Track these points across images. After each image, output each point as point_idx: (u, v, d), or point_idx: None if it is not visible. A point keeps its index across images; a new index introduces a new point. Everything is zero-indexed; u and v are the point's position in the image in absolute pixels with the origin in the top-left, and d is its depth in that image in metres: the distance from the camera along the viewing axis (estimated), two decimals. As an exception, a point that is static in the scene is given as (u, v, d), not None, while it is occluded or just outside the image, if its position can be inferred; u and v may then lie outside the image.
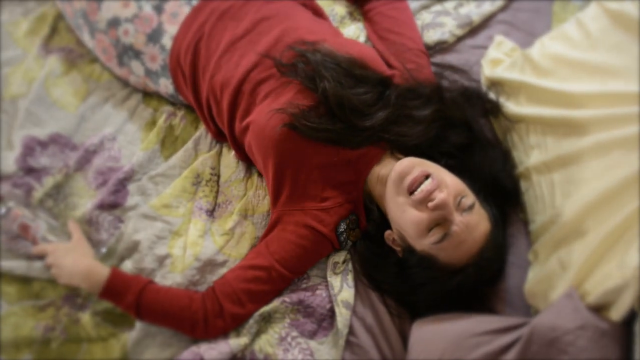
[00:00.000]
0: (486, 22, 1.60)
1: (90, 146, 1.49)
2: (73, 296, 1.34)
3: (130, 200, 1.43)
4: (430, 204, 1.13)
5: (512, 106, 1.36)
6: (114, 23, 1.48)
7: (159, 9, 1.45)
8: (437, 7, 1.64)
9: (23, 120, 1.49)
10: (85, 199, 1.43)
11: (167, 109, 1.56)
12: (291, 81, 1.28)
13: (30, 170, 1.44)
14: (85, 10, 1.51)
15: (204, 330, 1.26)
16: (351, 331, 1.24)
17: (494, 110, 1.38)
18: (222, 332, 1.27)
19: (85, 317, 1.31)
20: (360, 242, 1.33)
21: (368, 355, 1.21)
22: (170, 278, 1.33)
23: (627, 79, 1.16)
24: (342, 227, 1.29)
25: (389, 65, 1.42)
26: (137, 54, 1.48)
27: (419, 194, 1.15)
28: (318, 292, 1.30)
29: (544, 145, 1.28)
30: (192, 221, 1.40)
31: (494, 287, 1.25)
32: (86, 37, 1.57)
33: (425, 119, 1.29)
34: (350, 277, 1.31)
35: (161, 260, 1.36)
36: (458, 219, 1.14)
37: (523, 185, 1.33)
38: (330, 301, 1.28)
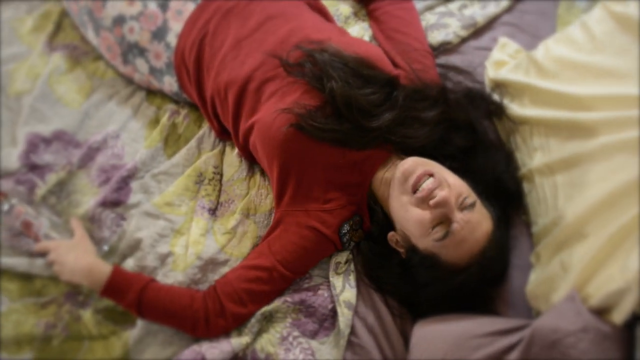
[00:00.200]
0: (491, 23, 1.60)
1: (94, 143, 1.49)
2: (75, 294, 1.34)
3: (133, 198, 1.43)
4: (431, 202, 1.14)
5: (515, 108, 1.36)
6: (119, 21, 1.48)
7: (163, 7, 1.46)
8: (442, 9, 1.64)
9: (27, 116, 1.49)
10: (88, 196, 1.44)
11: (171, 107, 1.56)
12: (297, 81, 1.28)
13: (33, 167, 1.44)
14: (90, 8, 1.51)
15: (205, 329, 1.26)
16: (353, 331, 1.24)
17: (497, 112, 1.38)
18: (223, 332, 1.27)
19: (87, 315, 1.31)
20: (364, 243, 1.33)
21: (369, 355, 1.21)
22: (172, 276, 1.33)
23: (632, 82, 1.16)
24: (345, 228, 1.29)
25: (395, 65, 1.42)
26: (142, 52, 1.49)
27: (420, 192, 1.16)
28: (320, 292, 1.30)
29: (547, 148, 1.28)
30: (195, 220, 1.41)
31: (497, 289, 1.25)
32: (91, 35, 1.57)
33: (431, 121, 1.29)
34: (352, 278, 1.31)
35: (163, 258, 1.36)
36: (459, 216, 1.15)
37: (526, 187, 1.33)
38: (332, 301, 1.28)
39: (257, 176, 1.45)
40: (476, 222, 1.17)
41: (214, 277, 1.33)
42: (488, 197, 1.24)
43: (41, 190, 1.42)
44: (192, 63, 1.42)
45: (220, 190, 1.46)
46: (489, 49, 1.52)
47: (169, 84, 1.51)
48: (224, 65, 1.37)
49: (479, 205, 1.19)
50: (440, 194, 1.14)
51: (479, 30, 1.58)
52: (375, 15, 1.56)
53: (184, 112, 1.56)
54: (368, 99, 1.25)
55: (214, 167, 1.46)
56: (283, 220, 1.30)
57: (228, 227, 1.38)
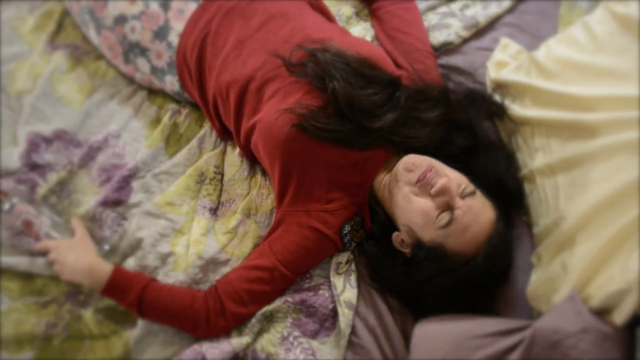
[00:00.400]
0: (492, 24, 1.60)
1: (95, 143, 1.49)
2: (75, 293, 1.34)
3: (134, 198, 1.43)
4: (432, 190, 1.16)
5: (517, 108, 1.36)
6: (121, 20, 1.48)
7: (165, 6, 1.46)
8: (444, 9, 1.64)
9: (28, 116, 1.49)
10: (89, 195, 1.44)
11: (172, 106, 1.57)
12: (299, 80, 1.28)
13: (34, 167, 1.44)
14: (92, 7, 1.51)
15: (205, 329, 1.26)
16: (353, 331, 1.24)
17: (499, 112, 1.38)
18: (224, 332, 1.27)
19: (88, 314, 1.31)
20: (368, 243, 1.32)
21: (370, 355, 1.21)
22: (172, 276, 1.33)
23: (633, 83, 1.15)
24: (347, 228, 1.29)
25: (397, 65, 1.42)
26: (143, 51, 1.49)
27: (421, 181, 1.18)
28: (321, 292, 1.30)
29: (549, 148, 1.28)
30: (196, 219, 1.41)
31: (500, 287, 1.25)
32: (92, 34, 1.57)
33: (433, 121, 1.29)
34: (353, 278, 1.31)
35: (164, 258, 1.36)
36: (461, 203, 1.16)
37: (527, 187, 1.33)
38: (333, 301, 1.28)
39: (258, 176, 1.45)
40: (478, 208, 1.18)
41: (215, 276, 1.33)
42: (489, 197, 1.24)
43: (42, 189, 1.41)
44: (193, 63, 1.42)
45: (221, 190, 1.46)
46: (490, 49, 1.52)
47: (171, 83, 1.51)
48: (226, 65, 1.37)
49: (480, 195, 1.20)
50: (440, 181, 1.16)
51: (480, 31, 1.58)
52: (378, 15, 1.56)
53: (185, 111, 1.56)
54: (370, 99, 1.25)
55: (215, 167, 1.46)
56: (284, 220, 1.30)
57: (229, 227, 1.38)
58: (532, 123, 1.33)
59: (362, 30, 1.60)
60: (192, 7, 1.44)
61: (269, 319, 1.29)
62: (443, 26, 1.57)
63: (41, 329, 1.28)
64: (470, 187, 1.20)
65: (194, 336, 1.29)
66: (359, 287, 1.30)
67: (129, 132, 1.53)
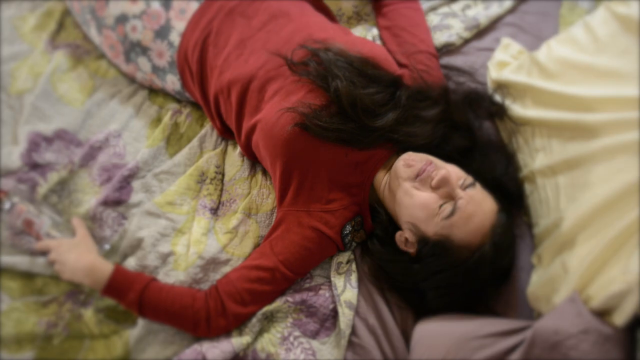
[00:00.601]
0: (493, 24, 1.60)
1: (95, 142, 1.49)
2: (76, 292, 1.34)
3: (135, 197, 1.43)
4: (433, 182, 1.18)
5: (517, 109, 1.36)
6: (122, 19, 1.48)
7: (166, 6, 1.45)
8: (445, 9, 1.64)
9: (29, 115, 1.49)
10: (89, 195, 1.44)
11: (173, 106, 1.56)
12: (300, 79, 1.28)
13: (34, 166, 1.44)
14: (93, 7, 1.51)
15: (206, 328, 1.26)
16: (354, 331, 1.25)
17: (499, 112, 1.38)
18: (225, 331, 1.27)
19: (88, 314, 1.31)
20: (372, 241, 1.32)
21: (370, 355, 1.22)
22: (173, 276, 1.33)
23: (634, 84, 1.15)
24: (348, 229, 1.29)
25: (399, 64, 1.42)
26: (145, 51, 1.49)
27: (421, 175, 1.20)
28: (321, 292, 1.30)
29: (549, 149, 1.28)
30: (196, 219, 1.41)
31: (502, 285, 1.25)
32: (93, 33, 1.57)
33: (433, 119, 1.29)
34: (353, 278, 1.31)
35: (164, 257, 1.36)
36: (462, 193, 1.17)
37: (527, 188, 1.33)
38: (333, 301, 1.29)
39: (259, 175, 1.45)
40: (480, 198, 1.19)
41: (216, 276, 1.33)
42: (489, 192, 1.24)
43: (42, 189, 1.41)
44: (195, 62, 1.42)
45: (222, 190, 1.46)
46: (491, 49, 1.52)
47: (172, 82, 1.51)
48: (227, 64, 1.37)
49: (480, 186, 1.21)
50: (440, 172, 1.18)
51: (481, 31, 1.58)
52: (384, 12, 1.56)
53: (186, 111, 1.56)
54: (372, 98, 1.26)
55: (215, 167, 1.46)
56: (285, 220, 1.30)
57: (229, 227, 1.38)
58: (533, 123, 1.33)
59: (362, 31, 1.60)
60: (194, 6, 1.44)
61: (270, 319, 1.29)
62: (445, 27, 1.57)
63: (41, 328, 1.28)
64: (470, 178, 1.21)
65: (194, 336, 1.29)
66: (359, 287, 1.30)
67: (130, 132, 1.53)
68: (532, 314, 1.20)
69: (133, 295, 1.24)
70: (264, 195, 1.42)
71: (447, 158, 1.26)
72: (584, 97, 1.22)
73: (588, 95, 1.22)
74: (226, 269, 1.34)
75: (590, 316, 1.01)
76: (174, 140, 1.52)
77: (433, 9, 1.64)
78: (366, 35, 1.58)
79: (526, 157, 1.35)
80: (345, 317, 1.25)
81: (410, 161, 1.22)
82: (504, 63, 1.47)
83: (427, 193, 1.19)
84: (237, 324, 1.27)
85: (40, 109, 1.51)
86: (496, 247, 1.18)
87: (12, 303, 1.30)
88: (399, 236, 1.26)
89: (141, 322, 1.29)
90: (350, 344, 1.24)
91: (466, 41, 1.56)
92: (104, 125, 1.53)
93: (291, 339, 1.26)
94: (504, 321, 1.15)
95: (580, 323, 1.00)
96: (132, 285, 1.25)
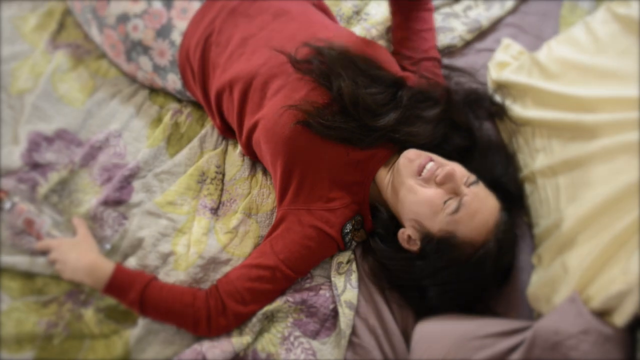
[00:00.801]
0: (494, 25, 1.60)
1: (96, 142, 1.49)
2: (76, 292, 1.34)
3: (135, 197, 1.43)
4: (438, 178, 1.18)
5: (518, 109, 1.36)
6: (123, 19, 1.48)
7: (168, 5, 1.46)
8: (447, 9, 1.64)
9: (29, 115, 1.49)
10: (90, 195, 1.43)
11: (174, 106, 1.57)
12: (303, 77, 1.28)
13: (35, 166, 1.44)
14: (94, 6, 1.51)
15: (206, 328, 1.26)
16: (354, 331, 1.25)
17: (499, 113, 1.38)
18: (225, 331, 1.27)
19: (88, 314, 1.31)
20: (373, 239, 1.32)
21: (370, 355, 1.22)
22: (173, 275, 1.33)
23: (634, 84, 1.15)
24: (348, 227, 1.29)
25: (404, 68, 1.42)
26: (146, 50, 1.49)
27: (425, 172, 1.20)
28: (321, 292, 1.30)
29: (550, 149, 1.28)
30: (196, 219, 1.41)
31: (503, 285, 1.25)
32: (94, 32, 1.57)
33: (434, 119, 1.30)
34: (353, 278, 1.31)
35: (165, 257, 1.36)
36: (467, 189, 1.18)
37: (528, 188, 1.33)
38: (334, 301, 1.29)
39: (259, 175, 1.46)
40: (484, 195, 1.20)
41: (216, 276, 1.33)
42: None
43: (43, 188, 1.41)
44: (197, 61, 1.42)
45: (222, 190, 1.46)
46: (492, 50, 1.53)
47: (173, 81, 1.51)
48: (230, 63, 1.37)
49: (483, 184, 1.22)
50: (446, 168, 1.18)
51: (482, 32, 1.59)
52: (407, 15, 1.54)
53: (186, 111, 1.56)
54: (374, 98, 1.26)
55: (216, 167, 1.46)
56: (286, 219, 1.30)
57: (230, 227, 1.38)
58: (533, 124, 1.33)
59: (362, 30, 1.60)
60: (196, 6, 1.45)
61: (270, 319, 1.29)
62: (447, 29, 1.57)
63: (42, 328, 1.28)
64: (473, 176, 1.21)
65: (194, 335, 1.29)
66: (359, 287, 1.30)
67: (130, 132, 1.53)
68: (533, 314, 1.20)
69: (134, 294, 1.24)
70: (264, 195, 1.42)
71: (448, 158, 1.26)
72: (584, 98, 1.22)
73: (588, 96, 1.22)
74: (226, 269, 1.34)
75: (590, 316, 1.01)
76: (174, 140, 1.52)
77: (435, 8, 1.64)
78: (365, 35, 1.58)
79: (526, 158, 1.35)
80: (346, 317, 1.25)
81: (412, 156, 1.23)
82: (504, 63, 1.47)
83: (431, 189, 1.20)
84: (237, 324, 1.27)
85: (40, 108, 1.51)
86: (499, 244, 1.18)
87: (12, 303, 1.30)
88: (402, 234, 1.26)
89: (141, 322, 1.29)
90: (351, 344, 1.24)
91: (467, 42, 1.56)
92: (104, 125, 1.53)
93: (291, 339, 1.26)
94: (504, 321, 1.15)
95: (580, 323, 1.00)
96: (133, 284, 1.25)
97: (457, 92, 1.38)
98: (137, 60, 1.52)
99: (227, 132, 1.49)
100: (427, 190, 1.20)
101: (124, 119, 1.54)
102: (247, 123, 1.35)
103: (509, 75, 1.42)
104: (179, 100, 1.59)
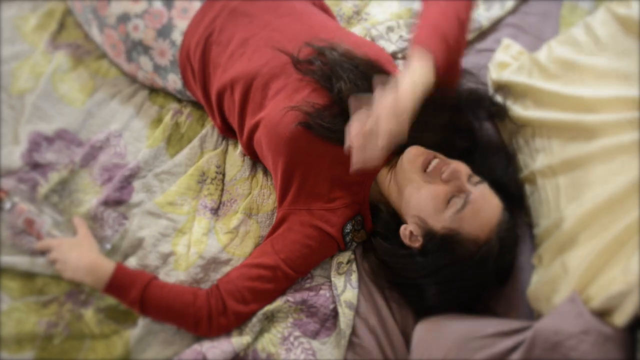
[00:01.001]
0: (494, 25, 1.60)
1: (96, 142, 1.49)
2: (76, 292, 1.34)
3: (135, 197, 1.43)
4: (443, 175, 1.18)
5: (518, 109, 1.36)
6: (124, 19, 1.48)
7: (169, 5, 1.46)
8: (446, 10, 1.64)
9: (29, 115, 1.49)
10: (90, 195, 1.44)
11: (174, 106, 1.57)
12: (304, 78, 1.28)
13: (35, 166, 1.44)
14: (95, 6, 1.51)
15: (207, 327, 1.26)
16: (354, 332, 1.25)
17: (500, 113, 1.38)
18: (225, 330, 1.27)
19: (89, 314, 1.31)
20: (374, 237, 1.32)
21: (370, 355, 1.22)
22: (174, 276, 1.33)
23: (634, 84, 1.16)
24: (348, 227, 1.29)
25: None
26: (146, 50, 1.49)
27: (431, 167, 1.21)
28: (321, 292, 1.30)
29: (550, 149, 1.28)
30: (197, 219, 1.41)
31: (504, 285, 1.25)
32: (95, 32, 1.57)
33: (436, 125, 1.29)
34: (353, 278, 1.31)
35: (165, 257, 1.36)
36: (472, 187, 1.19)
37: (528, 188, 1.33)
38: (334, 301, 1.29)
39: (260, 176, 1.46)
40: (489, 193, 1.20)
41: (216, 276, 1.34)
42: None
43: (43, 188, 1.41)
44: (197, 61, 1.42)
45: (222, 190, 1.46)
46: (492, 50, 1.53)
47: (173, 81, 1.51)
48: (231, 62, 1.37)
49: (486, 184, 1.22)
50: (451, 165, 1.19)
51: (482, 32, 1.59)
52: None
53: (187, 111, 1.56)
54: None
55: (216, 167, 1.46)
56: (286, 219, 1.30)
57: (230, 227, 1.38)
58: (533, 124, 1.33)
59: (362, 30, 1.60)
60: (196, 6, 1.45)
61: (270, 319, 1.29)
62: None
63: (42, 328, 1.28)
64: (477, 176, 1.22)
65: (195, 335, 1.29)
66: (359, 287, 1.30)
67: (131, 132, 1.53)
68: (533, 314, 1.20)
69: (135, 293, 1.24)
70: (264, 195, 1.42)
71: (448, 158, 1.26)
72: (584, 98, 1.23)
73: (588, 96, 1.22)
74: (227, 269, 1.34)
75: (590, 316, 1.01)
76: (174, 140, 1.52)
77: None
78: (365, 35, 1.58)
79: (526, 158, 1.35)
80: (346, 317, 1.25)
81: (416, 151, 1.24)
82: (504, 64, 1.47)
83: (436, 186, 1.20)
84: (238, 323, 1.27)
85: (41, 108, 1.51)
86: (502, 243, 1.18)
87: (13, 303, 1.30)
88: (404, 230, 1.25)
89: (141, 322, 1.29)
90: (351, 344, 1.24)
91: (468, 42, 1.56)
92: (104, 125, 1.53)
93: (291, 339, 1.26)
94: (504, 321, 1.15)
95: (580, 323, 1.00)
96: (134, 283, 1.25)
97: (457, 92, 1.37)
98: (137, 60, 1.52)
99: (228, 132, 1.49)
100: (432, 186, 1.20)
101: (124, 119, 1.55)
102: (249, 123, 1.35)
103: (509, 75, 1.42)
104: (179, 100, 1.59)
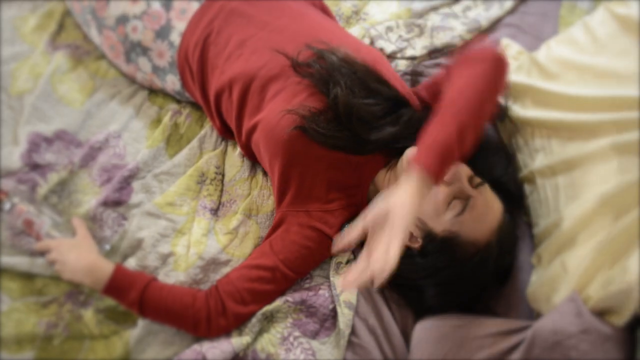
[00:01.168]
0: (493, 25, 1.60)
1: (95, 143, 1.49)
2: (76, 293, 1.34)
3: (135, 198, 1.43)
4: (445, 177, 1.15)
5: (517, 109, 1.36)
6: (123, 20, 1.48)
7: (167, 6, 1.45)
8: (446, 10, 1.64)
9: (29, 116, 1.49)
10: (89, 195, 1.43)
11: (173, 106, 1.57)
12: (302, 81, 1.28)
13: (35, 167, 1.44)
14: (94, 7, 1.51)
15: (206, 328, 1.25)
16: (353, 331, 1.24)
17: (499, 113, 1.38)
18: (225, 331, 1.27)
19: (88, 314, 1.31)
20: None
21: (370, 355, 1.21)
22: (173, 276, 1.33)
23: (633, 84, 1.16)
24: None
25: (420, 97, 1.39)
26: (145, 51, 1.49)
27: None
28: (321, 292, 1.30)
29: (549, 149, 1.28)
30: (196, 220, 1.41)
31: (503, 284, 1.25)
32: (94, 33, 1.57)
33: None
34: (353, 278, 1.30)
35: (164, 258, 1.36)
36: (474, 191, 1.18)
37: (527, 188, 1.33)
38: (333, 301, 1.29)
39: (259, 176, 1.46)
40: (490, 197, 1.20)
41: (216, 277, 1.33)
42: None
43: (42, 189, 1.41)
44: (195, 62, 1.42)
45: (222, 191, 1.46)
46: (491, 50, 1.52)
47: (172, 82, 1.51)
48: (229, 64, 1.37)
49: (487, 186, 1.22)
50: (452, 168, 1.17)
51: (481, 32, 1.59)
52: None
53: (186, 111, 1.56)
54: (370, 109, 1.25)
55: (215, 167, 1.46)
56: (285, 221, 1.30)
57: (230, 228, 1.38)
58: (533, 124, 1.33)
59: (360, 30, 1.60)
60: (195, 6, 1.44)
61: (269, 319, 1.29)
62: (447, 28, 1.57)
63: (41, 329, 1.28)
64: (478, 178, 1.21)
65: (194, 336, 1.29)
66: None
67: (130, 133, 1.53)
68: (532, 314, 1.20)
69: (134, 295, 1.24)
70: (264, 196, 1.42)
71: None
72: (583, 98, 1.23)
73: (587, 96, 1.22)
74: (226, 270, 1.34)
75: (590, 316, 1.01)
76: (173, 141, 1.52)
77: (434, 8, 1.64)
78: (364, 35, 1.58)
79: (526, 158, 1.35)
80: (345, 317, 1.25)
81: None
82: (503, 64, 1.47)
83: (436, 187, 1.19)
84: (237, 324, 1.27)
85: (40, 109, 1.51)
86: (501, 245, 1.18)
87: (12, 304, 1.30)
88: None
89: (141, 323, 1.29)
90: (350, 344, 1.24)
91: (467, 42, 1.56)
92: (103, 126, 1.53)
93: (291, 339, 1.26)
94: (504, 321, 1.15)
95: (580, 323, 1.00)
96: (133, 284, 1.25)
97: None
98: (136, 61, 1.52)
99: (227, 133, 1.49)
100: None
101: (123, 119, 1.54)
102: (246, 125, 1.35)
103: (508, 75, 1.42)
104: (178, 101, 1.59)
